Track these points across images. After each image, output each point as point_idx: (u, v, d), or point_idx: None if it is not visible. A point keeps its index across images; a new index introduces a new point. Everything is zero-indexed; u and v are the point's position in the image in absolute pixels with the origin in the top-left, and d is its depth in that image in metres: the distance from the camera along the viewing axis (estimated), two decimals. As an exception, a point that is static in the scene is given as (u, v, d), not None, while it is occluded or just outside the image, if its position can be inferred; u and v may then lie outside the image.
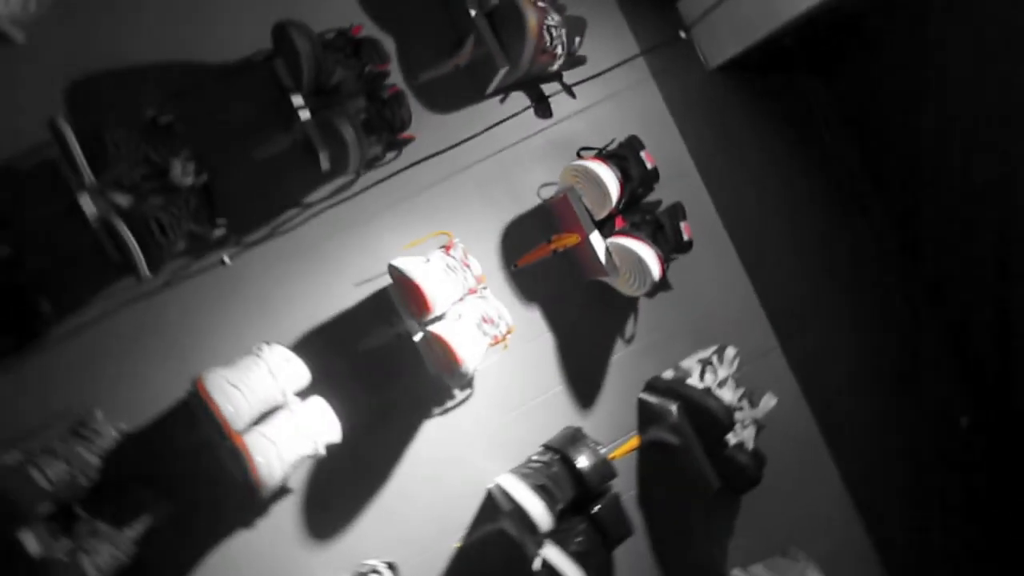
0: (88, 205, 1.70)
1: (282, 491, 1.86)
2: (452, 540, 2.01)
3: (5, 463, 1.61)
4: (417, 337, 1.95)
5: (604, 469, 1.97)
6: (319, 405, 1.81)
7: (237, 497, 1.81)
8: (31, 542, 1.61)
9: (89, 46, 1.93)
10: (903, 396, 2.57)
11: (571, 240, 2.14)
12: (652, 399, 2.22)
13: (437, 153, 2.14)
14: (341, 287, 2.03)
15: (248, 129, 2.00)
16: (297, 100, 1.91)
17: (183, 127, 1.83)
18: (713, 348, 2.23)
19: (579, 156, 2.21)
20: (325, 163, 1.96)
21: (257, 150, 1.99)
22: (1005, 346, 2.47)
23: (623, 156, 2.14)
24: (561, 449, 1.98)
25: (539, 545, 1.91)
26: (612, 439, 2.19)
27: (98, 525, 1.67)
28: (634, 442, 2.21)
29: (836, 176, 2.61)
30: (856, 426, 2.48)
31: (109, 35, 1.95)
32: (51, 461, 1.63)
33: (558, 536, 1.92)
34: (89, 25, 1.93)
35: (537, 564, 1.90)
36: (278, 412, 1.78)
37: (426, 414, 2.04)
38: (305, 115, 1.92)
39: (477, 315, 1.92)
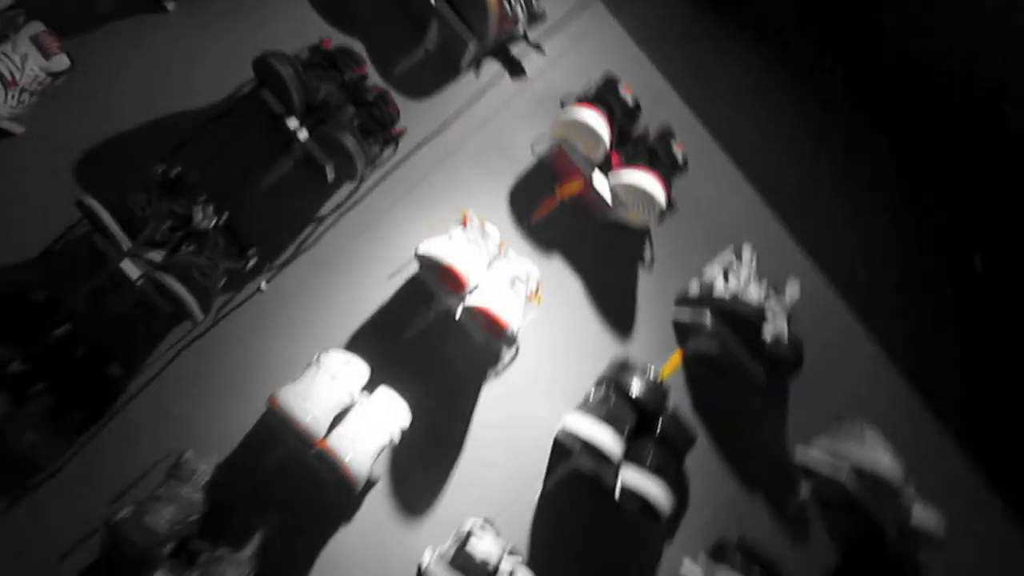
0: (131, 269, 1.80)
1: (370, 483, 1.96)
2: (534, 489, 2.11)
3: (122, 517, 1.73)
4: (458, 312, 2.03)
5: (657, 389, 2.07)
6: (386, 394, 1.92)
7: (332, 497, 1.92)
8: (163, 582, 1.74)
9: (86, 123, 1.99)
10: (913, 247, 2.69)
11: (575, 187, 2.22)
12: (684, 314, 2.32)
13: (429, 138, 2.22)
14: (375, 283, 2.12)
15: (251, 160, 2.08)
16: (292, 123, 1.99)
17: (193, 175, 1.91)
18: (729, 250, 2.32)
19: (562, 106, 2.27)
20: (331, 174, 2.05)
21: (264, 178, 2.07)
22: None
23: (603, 95, 2.21)
24: (614, 380, 2.07)
25: (615, 474, 2.01)
26: (657, 360, 2.27)
27: (217, 552, 1.79)
28: (677, 358, 2.29)
29: (801, 66, 2.69)
30: (876, 286, 2.59)
31: (101, 108, 2.02)
32: (161, 506, 1.74)
33: (630, 460, 2.01)
34: (80, 103, 2.00)
35: (618, 491, 2.00)
36: (351, 411, 1.88)
37: (483, 379, 2.14)
38: (303, 135, 2.00)
39: (507, 278, 2.00)
